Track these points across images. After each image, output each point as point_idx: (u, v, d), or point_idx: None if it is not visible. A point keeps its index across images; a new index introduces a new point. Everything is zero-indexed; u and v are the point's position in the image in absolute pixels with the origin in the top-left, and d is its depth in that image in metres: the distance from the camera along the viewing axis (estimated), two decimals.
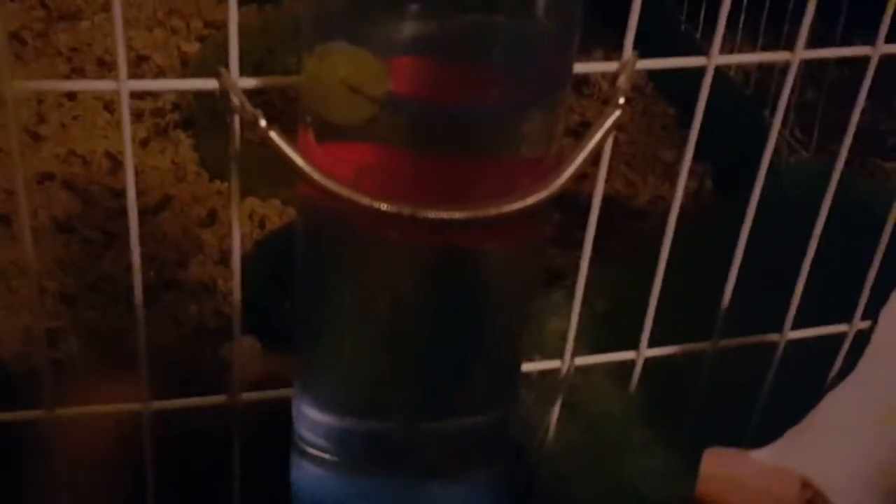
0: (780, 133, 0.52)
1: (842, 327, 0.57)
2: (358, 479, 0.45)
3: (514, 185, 0.39)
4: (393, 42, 0.37)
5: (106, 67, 1.02)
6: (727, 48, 0.89)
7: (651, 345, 0.53)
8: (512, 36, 0.38)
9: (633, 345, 0.53)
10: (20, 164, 0.42)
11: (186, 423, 0.49)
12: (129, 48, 1.03)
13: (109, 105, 0.96)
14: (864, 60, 0.49)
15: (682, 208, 0.50)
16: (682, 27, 1.03)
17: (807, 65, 0.92)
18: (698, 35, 0.99)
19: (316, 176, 0.38)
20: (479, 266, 0.43)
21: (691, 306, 0.52)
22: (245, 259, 0.47)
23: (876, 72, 0.50)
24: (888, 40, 0.49)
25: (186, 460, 0.56)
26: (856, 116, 0.50)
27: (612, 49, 1.01)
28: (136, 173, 0.45)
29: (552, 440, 0.54)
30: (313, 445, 0.45)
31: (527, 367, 0.51)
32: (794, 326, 0.56)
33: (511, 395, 0.47)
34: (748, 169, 0.51)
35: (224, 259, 0.83)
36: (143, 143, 0.94)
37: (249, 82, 0.41)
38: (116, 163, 0.91)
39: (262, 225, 0.87)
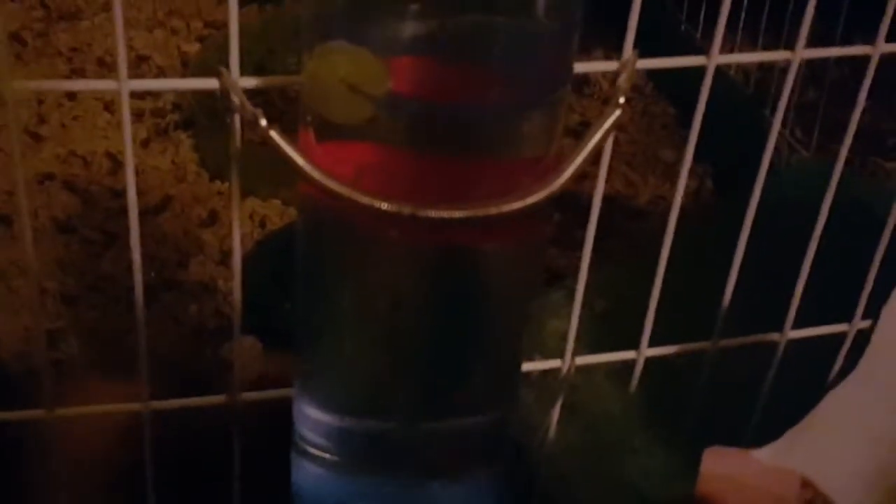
0: (780, 133, 0.52)
1: (842, 327, 0.57)
2: (358, 478, 0.45)
3: (514, 185, 0.39)
4: (393, 41, 0.37)
5: (106, 67, 1.02)
6: (727, 48, 0.89)
7: (651, 345, 0.53)
8: (512, 35, 0.38)
9: (634, 345, 0.53)
10: (20, 165, 0.42)
11: (187, 423, 0.49)
12: (130, 48, 1.03)
13: (110, 105, 0.96)
14: (865, 60, 0.49)
15: (683, 208, 0.50)
16: (682, 27, 1.03)
17: (807, 65, 0.92)
18: (698, 35, 0.99)
19: (316, 175, 0.38)
20: (480, 266, 0.43)
21: (691, 306, 0.52)
22: (245, 259, 0.47)
23: (876, 71, 0.50)
24: (888, 39, 0.49)
25: (186, 460, 0.56)
26: (856, 116, 0.50)
27: (613, 49, 1.01)
28: (137, 173, 0.45)
29: (552, 440, 0.54)
30: (314, 445, 0.45)
31: (527, 366, 0.51)
32: (795, 326, 0.56)
33: (511, 395, 0.47)
34: (748, 169, 0.51)
35: (224, 259, 0.83)
36: (144, 144, 0.94)
37: (250, 82, 0.41)
38: (117, 163, 0.91)
39: (262, 225, 0.87)
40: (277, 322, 0.69)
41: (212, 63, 0.40)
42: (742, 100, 0.95)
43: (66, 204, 0.87)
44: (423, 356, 0.43)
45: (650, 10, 0.45)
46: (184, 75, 1.01)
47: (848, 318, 0.57)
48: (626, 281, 0.64)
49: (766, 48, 0.93)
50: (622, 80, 0.42)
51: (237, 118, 0.40)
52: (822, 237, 0.53)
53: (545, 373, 0.53)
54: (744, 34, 0.95)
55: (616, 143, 0.81)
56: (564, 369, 0.52)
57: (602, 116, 0.41)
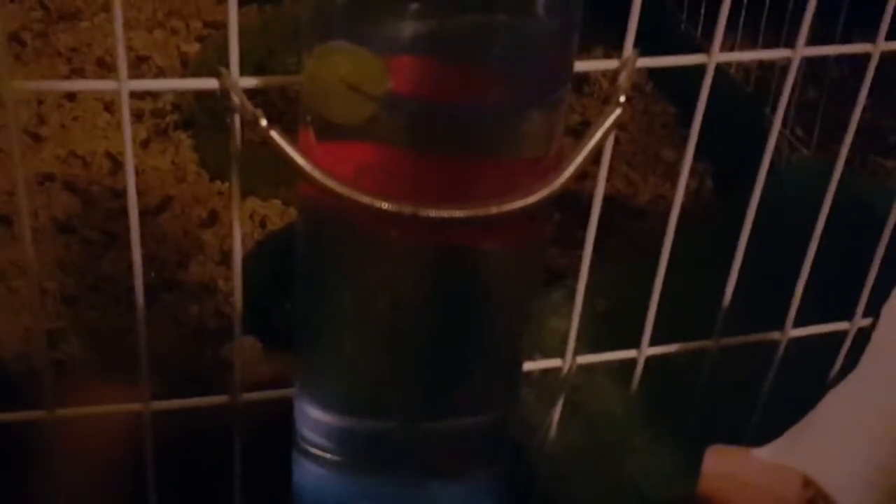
0: (780, 131, 0.52)
1: (843, 325, 0.57)
2: (359, 478, 0.45)
3: (514, 184, 0.39)
4: (393, 41, 0.37)
5: (106, 68, 1.02)
6: (727, 47, 0.89)
7: (652, 344, 0.53)
8: (512, 35, 0.38)
9: (635, 344, 0.53)
10: (20, 165, 0.42)
11: (187, 424, 0.49)
12: (129, 49, 1.03)
13: (109, 106, 0.96)
14: (865, 58, 0.49)
15: (683, 207, 0.50)
16: (682, 25, 1.03)
17: (807, 63, 0.92)
18: (698, 33, 0.99)
19: (317, 175, 0.38)
20: (480, 265, 0.43)
21: (692, 305, 0.52)
22: (246, 259, 0.47)
23: (876, 70, 0.50)
24: (888, 38, 0.49)
25: (187, 461, 0.56)
26: (856, 115, 0.50)
27: (613, 47, 1.01)
28: (137, 174, 0.45)
29: (553, 439, 0.54)
30: (314, 445, 0.45)
31: (528, 366, 0.51)
32: (796, 325, 0.56)
33: (512, 394, 0.47)
34: (749, 168, 0.51)
35: (225, 259, 0.83)
36: (144, 144, 0.94)
37: (250, 82, 0.41)
38: (117, 163, 0.91)
39: (262, 225, 0.87)
40: (278, 322, 0.69)
41: (211, 63, 0.40)
42: (742, 98, 0.95)
43: (66, 204, 0.87)
44: (423, 356, 0.43)
45: (650, 9, 0.45)
46: (183, 75, 1.01)
47: (848, 317, 0.57)
48: (627, 280, 0.64)
49: (766, 47, 0.93)
50: (622, 79, 0.42)
51: (237, 118, 0.40)
52: (822, 236, 0.53)
53: (546, 372, 0.53)
54: (744, 33, 0.95)
55: (616, 142, 0.81)
56: (565, 369, 0.52)
57: (602, 115, 0.41)
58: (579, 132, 0.41)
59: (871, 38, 0.49)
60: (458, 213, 0.38)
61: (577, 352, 0.52)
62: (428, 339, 0.43)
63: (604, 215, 0.48)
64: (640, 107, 1.04)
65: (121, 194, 0.86)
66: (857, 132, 0.51)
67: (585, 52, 1.01)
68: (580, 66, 0.42)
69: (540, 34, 0.39)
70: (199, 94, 0.93)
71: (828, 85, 0.90)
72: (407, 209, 0.38)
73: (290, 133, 0.39)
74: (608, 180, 0.48)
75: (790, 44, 0.48)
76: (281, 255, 0.75)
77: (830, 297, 0.55)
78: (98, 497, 0.55)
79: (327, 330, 0.44)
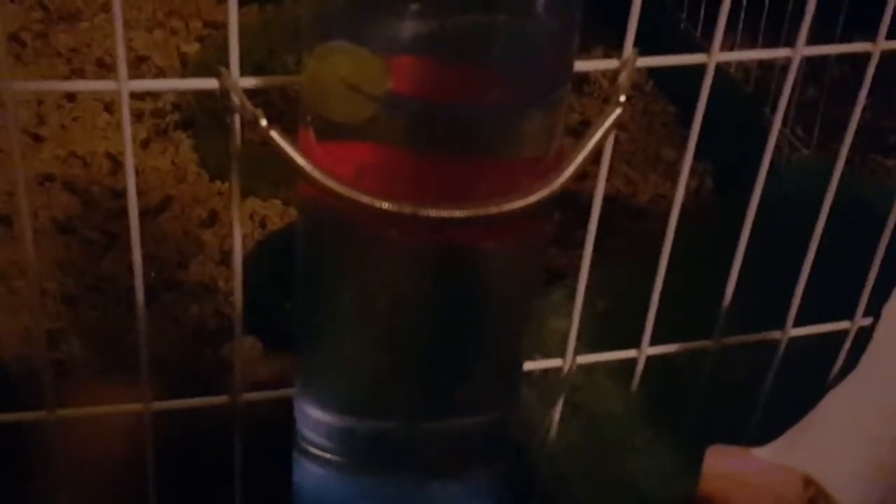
0: (780, 131, 0.52)
1: (843, 325, 0.57)
2: (359, 478, 0.45)
3: (514, 184, 0.39)
4: (393, 41, 0.37)
5: (105, 68, 1.02)
6: (727, 47, 0.89)
7: (652, 343, 0.53)
8: (512, 35, 0.38)
9: (635, 343, 0.53)
10: (20, 166, 0.42)
11: (188, 424, 0.49)
12: (129, 49, 1.03)
13: (109, 106, 0.96)
14: (865, 57, 0.49)
15: (683, 207, 0.50)
16: (682, 25, 1.03)
17: (807, 63, 0.92)
18: (698, 33, 0.99)
19: (317, 175, 0.38)
20: (480, 265, 0.43)
21: (692, 305, 0.52)
22: (246, 259, 0.47)
23: (876, 69, 0.49)
24: (888, 37, 0.49)
25: (188, 461, 0.56)
26: (857, 114, 0.50)
27: (613, 47, 1.01)
28: (137, 174, 0.45)
29: (553, 439, 0.54)
30: (315, 445, 0.45)
31: (528, 366, 0.51)
32: (796, 324, 0.56)
33: (512, 394, 0.47)
34: (749, 167, 0.51)
35: (225, 259, 0.83)
36: (144, 144, 0.94)
37: (250, 82, 0.41)
38: (117, 164, 0.91)
39: (263, 225, 0.87)
40: (278, 322, 0.69)
41: (211, 63, 0.40)
42: (742, 98, 0.95)
43: (67, 204, 0.87)
44: (423, 356, 0.43)
45: (650, 9, 0.45)
46: (183, 75, 1.01)
47: (849, 316, 0.57)
48: (627, 280, 0.64)
49: (766, 46, 0.93)
50: (622, 79, 0.42)
51: (237, 118, 0.40)
52: (822, 235, 0.53)
53: (546, 372, 0.53)
54: (744, 33, 0.95)
55: (616, 141, 0.81)
56: (566, 368, 0.52)
57: (602, 115, 0.41)
58: (579, 132, 0.41)
59: (871, 37, 0.49)
60: (458, 213, 0.38)
61: (577, 351, 0.52)
62: (428, 339, 0.43)
63: (604, 215, 0.48)
64: (641, 106, 1.04)
65: (121, 194, 0.86)
66: (857, 131, 0.51)
67: (585, 51, 1.01)
68: (580, 65, 0.42)
69: (540, 34, 0.39)
70: (199, 95, 0.93)
71: (828, 84, 0.90)
72: (407, 209, 0.38)
73: (290, 133, 0.39)
74: (608, 180, 0.48)
75: (790, 43, 0.48)
76: (281, 255, 0.75)
77: (831, 297, 0.55)
78: (98, 497, 0.55)
79: (327, 330, 0.44)
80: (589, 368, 0.57)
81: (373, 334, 0.43)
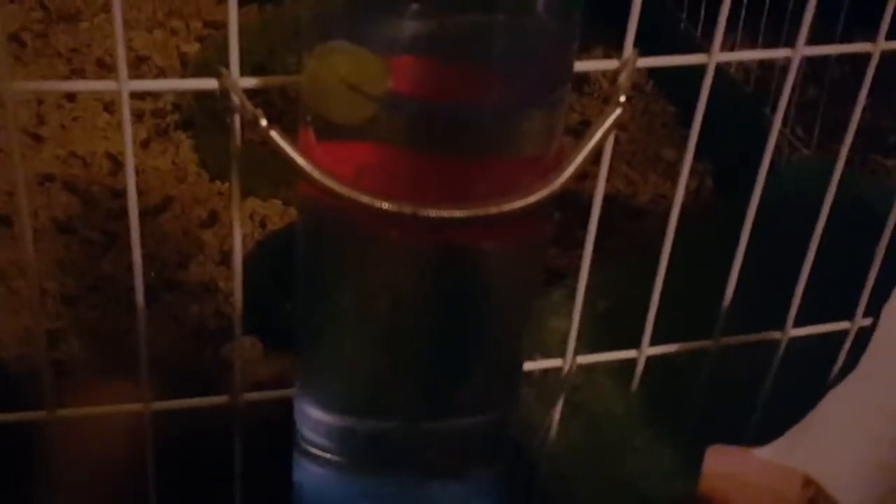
0: (780, 131, 0.52)
1: (843, 325, 0.57)
2: (359, 478, 0.45)
3: (514, 184, 0.39)
4: (393, 41, 0.37)
5: (105, 68, 1.02)
6: (727, 47, 0.89)
7: (652, 343, 0.53)
8: (512, 35, 0.38)
9: (635, 344, 0.53)
10: (20, 166, 0.42)
11: (188, 424, 0.49)
12: (129, 49, 1.03)
13: (109, 106, 0.96)
14: (865, 57, 0.49)
15: (683, 207, 0.50)
16: (682, 25, 1.03)
17: (808, 63, 0.92)
18: (698, 33, 0.99)
19: (316, 175, 0.38)
20: (480, 265, 0.43)
21: (692, 305, 0.52)
22: (246, 259, 0.47)
23: (877, 69, 0.49)
24: (889, 37, 0.49)
25: (188, 461, 0.56)
26: (857, 114, 0.50)
27: (613, 47, 1.01)
28: (137, 174, 0.45)
29: (553, 439, 0.54)
30: (315, 445, 0.45)
31: (528, 366, 0.51)
32: (796, 324, 0.56)
33: (512, 394, 0.47)
34: (749, 167, 0.51)
35: (225, 259, 0.83)
36: (144, 144, 0.94)
37: (250, 82, 0.41)
38: (117, 164, 0.91)
39: (263, 225, 0.87)
40: (278, 322, 0.69)
41: (211, 63, 0.40)
42: (742, 98, 0.95)
43: (67, 204, 0.87)
44: (423, 356, 0.43)
45: (650, 9, 0.45)
46: (183, 75, 1.01)
47: (849, 317, 0.57)
48: (627, 280, 0.64)
49: (766, 46, 0.93)
50: (622, 79, 0.42)
51: (237, 118, 0.40)
52: (822, 235, 0.53)
53: (546, 372, 0.53)
54: (744, 33, 0.95)
55: (616, 141, 0.81)
56: (565, 368, 0.52)
57: (602, 115, 0.41)
58: (579, 132, 0.41)
59: (871, 37, 0.49)
60: (458, 213, 0.38)
61: (577, 351, 0.52)
62: (428, 339, 0.43)
63: (604, 215, 0.48)
64: (641, 106, 1.04)
65: (121, 194, 0.86)
66: (857, 132, 0.51)
67: (585, 51, 1.01)
68: (580, 65, 0.42)
69: (540, 34, 0.39)
70: (200, 95, 0.93)
71: (828, 84, 0.90)
72: (407, 209, 0.37)
73: (290, 133, 0.39)
74: (608, 180, 0.48)
75: (790, 43, 0.48)
76: (281, 255, 0.75)
77: (831, 297, 0.55)
78: (98, 497, 0.55)
79: (327, 330, 0.44)
80: (589, 368, 0.57)
81: (373, 334, 0.43)
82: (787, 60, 0.48)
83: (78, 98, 0.97)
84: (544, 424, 0.54)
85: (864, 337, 0.47)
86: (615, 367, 0.56)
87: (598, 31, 0.63)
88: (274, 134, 0.38)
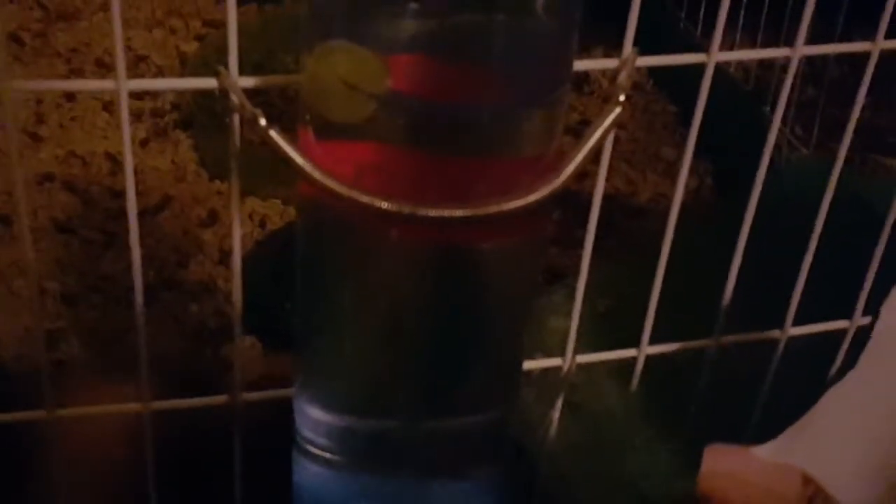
0: (780, 130, 0.52)
1: (842, 323, 0.57)
2: (359, 477, 0.45)
3: (514, 184, 0.39)
4: (392, 40, 0.37)
5: (105, 68, 1.02)
6: (726, 46, 0.89)
7: (652, 342, 0.53)
8: (512, 34, 0.38)
9: (635, 343, 0.53)
10: (19, 165, 0.42)
11: (187, 424, 0.49)
12: (128, 48, 1.03)
13: (108, 105, 0.96)
14: (864, 57, 0.49)
15: (683, 206, 0.50)
16: (682, 24, 1.03)
17: (807, 62, 0.92)
18: (698, 32, 0.99)
19: (316, 174, 0.38)
20: (480, 264, 0.43)
21: (692, 304, 0.52)
22: (245, 259, 0.47)
23: (876, 68, 0.49)
24: (888, 36, 0.49)
25: (188, 461, 0.56)
26: (856, 113, 0.50)
27: (612, 46, 1.01)
28: (136, 174, 0.45)
29: (553, 438, 0.54)
30: (315, 444, 0.45)
31: (528, 365, 0.51)
32: (795, 323, 0.56)
33: (512, 393, 0.47)
34: (748, 166, 0.51)
35: (224, 259, 0.83)
36: (143, 144, 0.94)
37: (249, 81, 0.41)
38: (116, 163, 0.91)
39: (262, 225, 0.87)
40: (278, 322, 0.69)
41: (211, 62, 0.40)
42: (742, 97, 0.95)
43: (66, 204, 0.87)
44: (423, 355, 0.43)
45: (650, 8, 0.45)
46: (182, 75, 1.01)
47: (848, 315, 0.57)
48: (627, 279, 0.64)
49: (765, 46, 0.93)
50: (622, 78, 0.42)
51: (236, 118, 0.40)
52: (822, 234, 0.53)
53: (546, 371, 0.53)
54: (743, 32, 0.95)
55: (616, 141, 0.81)
56: (565, 368, 0.52)
57: (602, 114, 0.41)
58: (579, 131, 0.41)
59: (870, 36, 0.49)
60: (457, 213, 0.38)
61: (577, 351, 0.52)
62: (428, 338, 0.43)
63: (604, 214, 0.48)
64: (640, 106, 1.04)
65: (120, 194, 0.86)
66: (856, 131, 0.51)
67: (585, 51, 1.01)
68: (580, 65, 0.42)
69: (540, 33, 0.39)
70: (199, 94, 0.93)
71: (827, 84, 0.90)
72: (406, 208, 0.37)
73: (290, 133, 0.39)
74: (608, 179, 0.48)
75: (789, 42, 0.48)
76: (280, 254, 0.75)
77: (830, 296, 0.55)
78: (98, 497, 0.55)
79: (327, 330, 0.44)
80: (589, 368, 0.57)
81: (372, 334, 0.43)
82: (787, 60, 0.48)
83: (77, 97, 0.97)
84: (544, 424, 0.54)
85: (863, 336, 0.47)
86: (615, 366, 0.56)
87: (597, 31, 0.63)
88: (273, 133, 0.38)
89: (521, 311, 0.45)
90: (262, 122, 0.38)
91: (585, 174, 0.42)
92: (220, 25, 1.06)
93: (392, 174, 0.39)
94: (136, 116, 0.96)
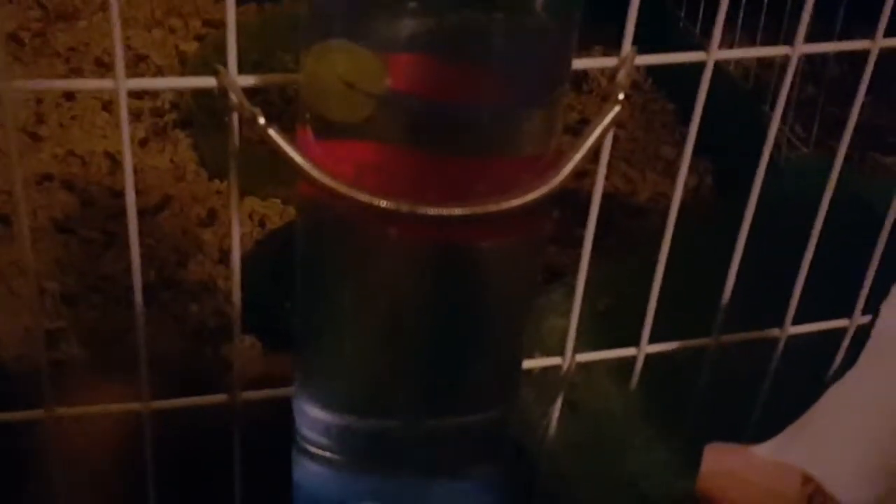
0: (779, 129, 0.52)
1: (842, 322, 0.57)
2: (359, 477, 0.45)
3: (513, 182, 0.39)
4: (391, 39, 0.37)
5: (104, 67, 1.02)
6: (726, 44, 0.89)
7: (652, 341, 0.53)
8: (511, 32, 0.38)
9: (634, 341, 0.53)
10: (19, 165, 0.42)
11: (187, 423, 0.49)
12: (128, 48, 1.03)
13: (108, 105, 0.96)
14: (864, 55, 0.49)
15: (682, 205, 0.50)
16: (681, 23, 1.03)
17: (806, 60, 0.92)
18: (697, 31, 0.99)
19: (315, 174, 0.38)
20: (479, 263, 0.43)
21: (692, 303, 0.52)
22: (245, 258, 0.47)
23: (875, 66, 0.49)
24: (887, 34, 0.49)
25: (187, 460, 0.56)
26: (855, 112, 0.50)
27: (611, 45, 1.01)
28: (136, 173, 0.45)
29: (553, 437, 0.54)
30: (314, 444, 0.45)
31: (528, 364, 0.51)
32: (795, 322, 0.56)
33: (511, 392, 0.47)
34: (748, 165, 0.51)
35: (224, 258, 0.83)
36: (142, 143, 0.94)
37: (248, 80, 0.41)
38: (115, 163, 0.91)
39: (262, 224, 0.87)
40: (277, 321, 0.69)
41: (210, 62, 0.40)
42: (741, 96, 0.95)
43: (66, 204, 0.87)
44: (423, 354, 0.43)
45: (649, 7, 0.45)
46: (182, 74, 1.01)
47: (848, 314, 0.57)
48: (627, 278, 0.64)
49: (764, 44, 0.93)
50: (621, 77, 0.42)
51: (236, 117, 0.40)
52: (821, 233, 0.53)
53: (546, 370, 0.53)
54: (742, 31, 0.95)
55: (615, 139, 0.81)
56: (565, 366, 0.52)
57: (601, 113, 0.41)
58: (578, 130, 0.41)
59: (869, 35, 0.49)
60: (456, 212, 0.38)
61: (576, 350, 0.52)
62: (427, 337, 0.43)
63: (603, 213, 0.48)
64: (639, 104, 1.04)
65: (120, 194, 0.86)
66: (855, 129, 0.51)
67: (584, 49, 1.01)
68: (579, 63, 0.42)
69: (539, 32, 0.39)
70: (198, 93, 0.93)
71: (827, 82, 0.90)
72: (405, 207, 0.37)
73: (289, 132, 0.39)
74: (607, 178, 0.48)
75: (789, 41, 0.48)
76: (280, 254, 0.75)
77: (830, 295, 0.55)
78: (97, 497, 0.55)
79: (327, 329, 0.44)
80: (588, 366, 0.57)
81: (372, 333, 0.43)
82: (786, 58, 0.48)
83: (76, 97, 0.97)
84: (544, 423, 0.54)
85: (862, 334, 0.47)
86: (614, 365, 0.56)
87: (596, 30, 0.63)
88: (272, 132, 0.38)
89: (520, 309, 0.45)
90: (262, 121, 0.38)
91: (584, 173, 0.42)
92: (220, 25, 1.06)
93: (391, 173, 0.39)
94: (136, 116, 0.96)
